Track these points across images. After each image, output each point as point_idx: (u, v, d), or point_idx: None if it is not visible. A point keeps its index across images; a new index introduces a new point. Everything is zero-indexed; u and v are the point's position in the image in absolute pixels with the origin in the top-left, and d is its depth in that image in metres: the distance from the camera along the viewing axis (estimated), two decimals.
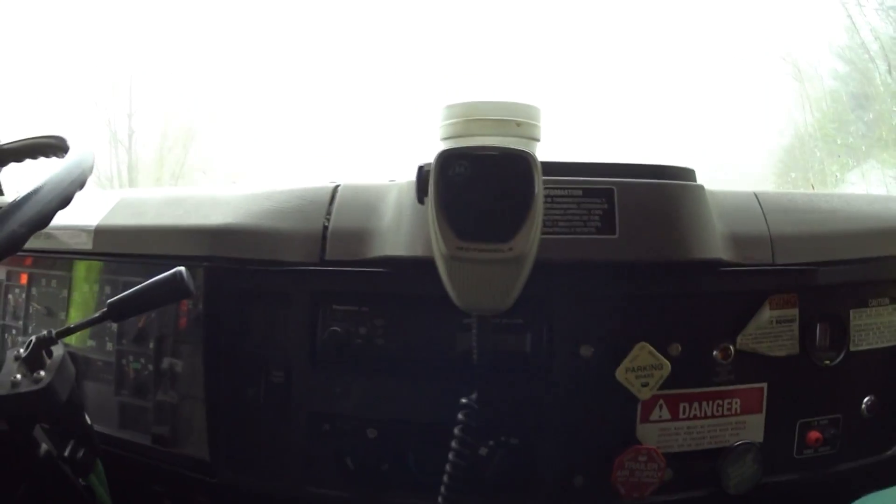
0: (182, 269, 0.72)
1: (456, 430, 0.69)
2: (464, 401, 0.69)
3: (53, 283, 0.98)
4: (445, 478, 0.69)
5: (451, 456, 0.69)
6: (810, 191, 0.91)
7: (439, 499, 0.69)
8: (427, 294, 0.68)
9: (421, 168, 0.65)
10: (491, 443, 0.76)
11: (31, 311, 1.00)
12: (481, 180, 0.62)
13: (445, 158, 0.63)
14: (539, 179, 0.63)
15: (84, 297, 0.95)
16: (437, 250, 0.63)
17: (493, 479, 0.76)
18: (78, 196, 0.96)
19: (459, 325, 0.73)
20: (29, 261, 1.01)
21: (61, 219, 0.94)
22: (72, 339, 0.96)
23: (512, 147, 0.63)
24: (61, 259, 0.96)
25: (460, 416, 0.69)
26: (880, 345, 0.86)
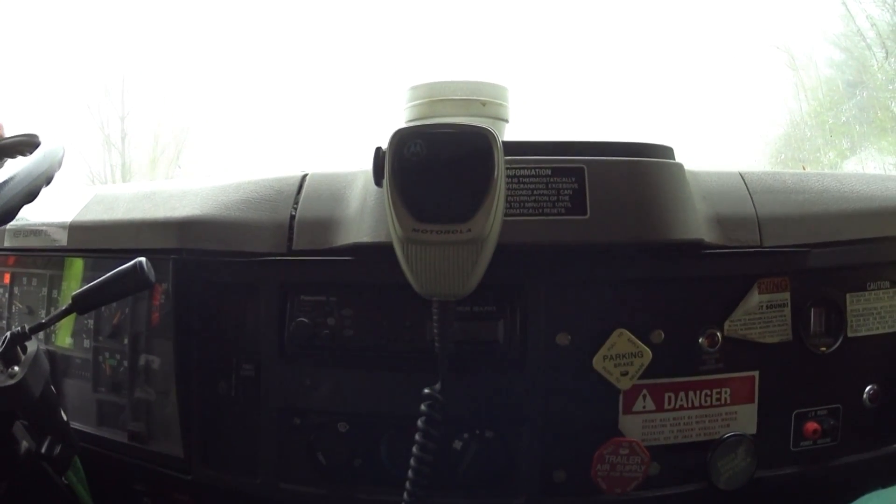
0: (143, 259, 0.72)
1: (419, 423, 0.66)
2: (426, 391, 0.67)
3: (34, 281, 0.98)
4: (410, 473, 0.66)
5: (415, 450, 0.66)
6: (800, 170, 0.87)
7: (405, 495, 0.66)
8: (394, 282, 0.66)
9: (378, 150, 0.63)
10: (465, 436, 0.73)
11: (14, 310, 1.00)
12: (438, 159, 0.60)
13: (400, 137, 0.60)
14: (500, 158, 0.60)
15: (65, 294, 0.95)
16: (394, 233, 0.61)
17: (467, 474, 0.73)
18: (57, 193, 0.98)
19: (429, 313, 0.70)
20: (12, 260, 1.01)
21: (39, 216, 0.95)
22: (57, 339, 0.96)
23: (470, 124, 0.61)
24: (42, 257, 0.96)
25: (423, 407, 0.66)
26: (881, 330, 0.81)
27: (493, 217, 0.60)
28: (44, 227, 0.93)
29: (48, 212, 0.95)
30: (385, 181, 0.61)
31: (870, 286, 0.81)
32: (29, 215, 0.96)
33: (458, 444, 0.73)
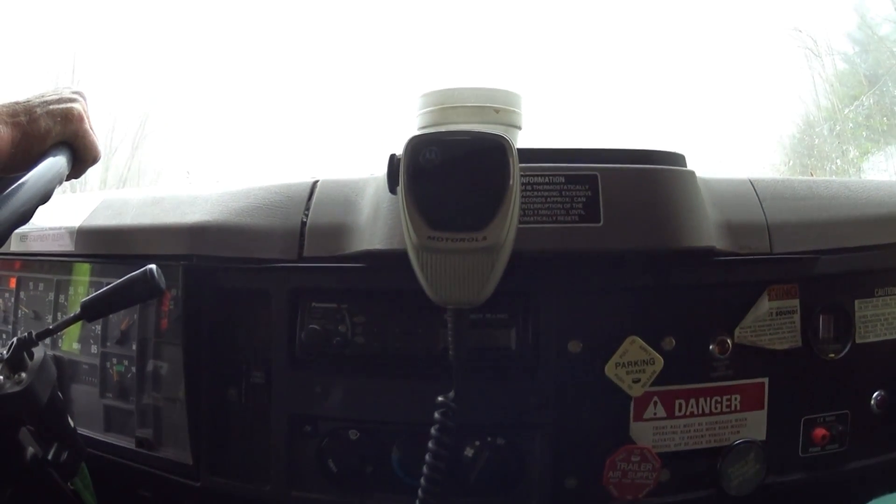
0: (153, 266, 0.71)
1: (432, 430, 0.66)
2: (440, 399, 0.67)
3: (41, 286, 0.97)
4: (423, 481, 0.66)
5: (427, 458, 0.66)
6: (809, 177, 0.87)
7: (416, 503, 0.66)
8: (406, 289, 0.66)
9: (392, 157, 0.63)
10: (476, 443, 0.73)
11: (20, 315, 1.00)
12: (453, 166, 0.60)
13: (415, 144, 0.60)
14: (515, 165, 0.61)
15: (73, 299, 0.95)
16: (409, 240, 0.61)
17: (479, 481, 0.73)
18: (63, 199, 0.97)
19: (441, 320, 0.70)
20: (18, 265, 1.01)
21: (45, 221, 0.95)
22: (63, 344, 0.96)
23: (485, 131, 0.61)
24: (49, 262, 0.96)
25: (437, 415, 0.66)
26: (888, 336, 0.82)
27: (509, 225, 0.60)
28: (51, 232, 0.93)
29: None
30: (399, 188, 0.61)
31: (878, 292, 0.81)
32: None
33: (469, 452, 0.73)
